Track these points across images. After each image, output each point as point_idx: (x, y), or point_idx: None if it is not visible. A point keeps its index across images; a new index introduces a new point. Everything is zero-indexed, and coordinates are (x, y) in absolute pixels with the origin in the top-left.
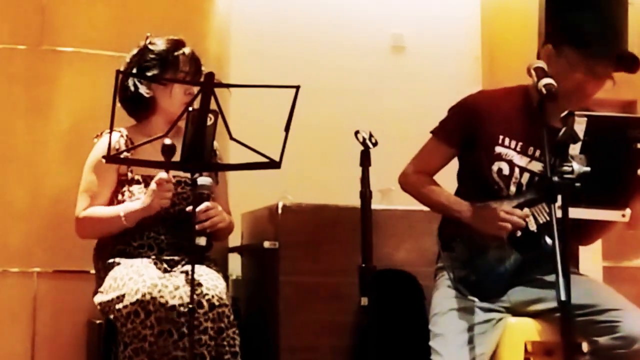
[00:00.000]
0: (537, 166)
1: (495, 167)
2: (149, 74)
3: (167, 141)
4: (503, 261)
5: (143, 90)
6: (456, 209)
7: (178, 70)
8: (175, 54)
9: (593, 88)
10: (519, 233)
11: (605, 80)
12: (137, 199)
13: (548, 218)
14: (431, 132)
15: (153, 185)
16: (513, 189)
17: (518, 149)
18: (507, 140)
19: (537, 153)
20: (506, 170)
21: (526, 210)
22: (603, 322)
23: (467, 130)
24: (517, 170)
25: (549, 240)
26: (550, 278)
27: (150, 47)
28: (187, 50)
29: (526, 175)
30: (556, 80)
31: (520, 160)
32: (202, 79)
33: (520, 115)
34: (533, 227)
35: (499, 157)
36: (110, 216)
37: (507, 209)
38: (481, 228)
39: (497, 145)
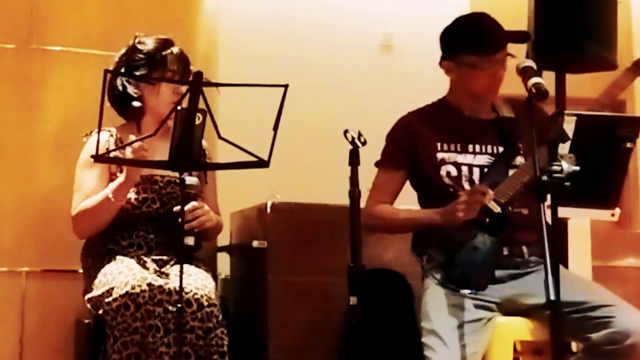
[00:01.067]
0: (482, 159)
1: (443, 172)
2: (137, 73)
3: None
4: (479, 248)
5: (131, 90)
6: (424, 216)
7: (166, 69)
8: (163, 53)
9: (502, 73)
10: (487, 220)
11: (505, 61)
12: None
13: (508, 196)
14: (376, 165)
15: (129, 153)
16: (467, 186)
17: (459, 149)
18: (445, 145)
19: (478, 148)
20: (454, 171)
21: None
22: (596, 318)
23: (407, 148)
24: (464, 168)
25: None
26: (538, 267)
27: (138, 46)
28: (175, 49)
29: (476, 170)
30: (465, 84)
31: (464, 159)
32: (190, 78)
33: (448, 122)
34: (497, 209)
35: (443, 162)
36: (100, 201)
37: (467, 191)
38: (454, 221)
39: (437, 152)
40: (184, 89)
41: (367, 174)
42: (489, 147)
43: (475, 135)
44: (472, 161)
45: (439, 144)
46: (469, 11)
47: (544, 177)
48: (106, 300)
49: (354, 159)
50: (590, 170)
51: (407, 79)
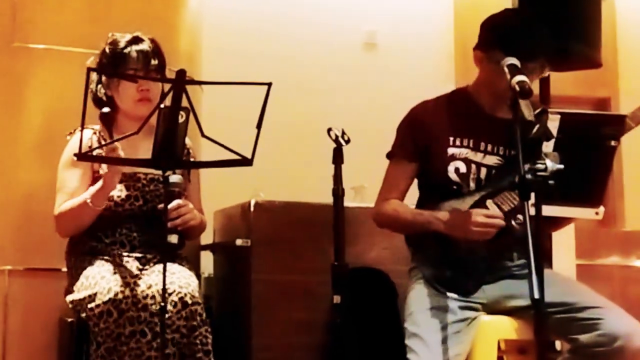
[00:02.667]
0: (492, 160)
1: (451, 168)
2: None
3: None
4: (474, 252)
5: (101, 92)
6: (427, 221)
7: (126, 67)
8: (125, 51)
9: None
10: None
11: (536, 72)
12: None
13: (512, 205)
14: (388, 156)
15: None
16: (473, 185)
17: (471, 145)
18: (458, 140)
19: (490, 147)
20: (463, 168)
21: (497, 211)
22: (584, 320)
23: (419, 140)
24: (473, 166)
25: (515, 222)
26: (525, 270)
27: (106, 47)
28: (138, 47)
29: (483, 170)
30: (491, 81)
31: (474, 157)
32: (153, 74)
33: (465, 115)
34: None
35: (453, 158)
36: (79, 204)
37: (484, 212)
38: (462, 235)
39: (449, 147)
40: (146, 85)
41: (351, 172)
42: (501, 148)
43: (489, 133)
44: (482, 160)
45: (451, 139)
46: (452, 9)
47: (528, 176)
48: (89, 305)
49: (338, 157)
50: (575, 168)
51: (391, 77)
